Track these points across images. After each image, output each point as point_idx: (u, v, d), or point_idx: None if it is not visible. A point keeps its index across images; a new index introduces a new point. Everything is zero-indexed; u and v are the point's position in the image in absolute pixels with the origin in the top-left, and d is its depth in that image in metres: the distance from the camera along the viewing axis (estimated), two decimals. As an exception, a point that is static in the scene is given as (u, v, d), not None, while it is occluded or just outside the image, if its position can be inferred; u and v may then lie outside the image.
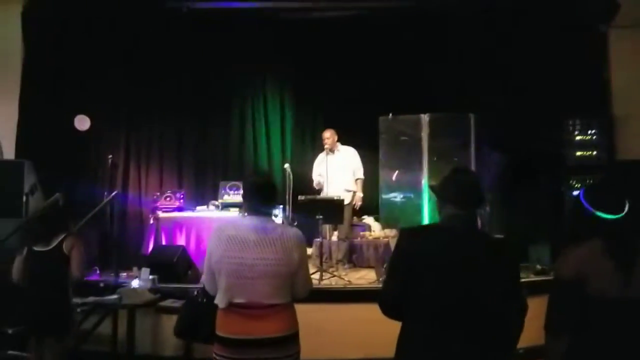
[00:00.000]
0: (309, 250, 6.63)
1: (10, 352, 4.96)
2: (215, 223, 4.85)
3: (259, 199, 2.79)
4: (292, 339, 2.76)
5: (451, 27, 6.94)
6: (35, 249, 3.84)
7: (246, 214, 2.84)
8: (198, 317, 3.44)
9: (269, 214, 2.88)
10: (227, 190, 6.93)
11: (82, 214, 5.59)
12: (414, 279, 2.21)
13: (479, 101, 6.49)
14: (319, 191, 6.72)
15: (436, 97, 6.78)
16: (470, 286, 2.16)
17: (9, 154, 6.66)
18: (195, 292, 3.76)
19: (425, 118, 6.71)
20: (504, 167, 6.82)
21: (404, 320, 2.29)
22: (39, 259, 3.84)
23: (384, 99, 7.09)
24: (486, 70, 6.82)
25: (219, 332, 2.75)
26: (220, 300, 2.74)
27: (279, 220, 6.28)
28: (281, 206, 6.49)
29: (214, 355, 2.76)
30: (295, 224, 5.92)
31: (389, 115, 6.88)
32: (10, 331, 4.51)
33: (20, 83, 6.66)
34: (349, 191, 6.61)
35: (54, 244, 3.83)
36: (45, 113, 6.56)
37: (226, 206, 6.74)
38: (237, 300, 2.70)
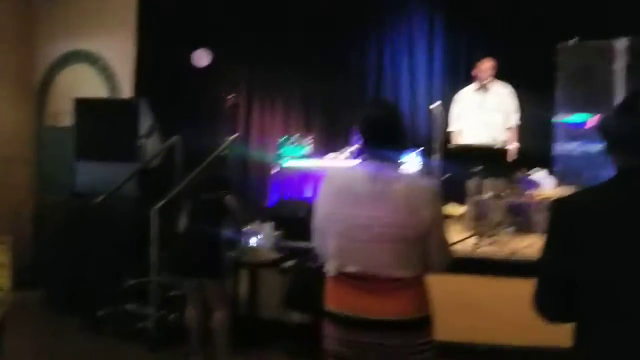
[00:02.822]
0: (461, 210, 6.35)
1: (128, 305, 5.47)
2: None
3: (377, 139, 2.50)
4: (420, 324, 2.51)
5: None
6: (202, 197, 4.58)
7: (362, 159, 2.58)
8: (308, 285, 3.30)
9: (393, 160, 2.55)
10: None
11: (200, 159, 5.60)
12: (586, 265, 1.77)
13: None
14: (454, 140, 6.31)
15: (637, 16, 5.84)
16: None
17: (126, 94, 7.01)
18: (310, 256, 3.86)
19: (621, 43, 5.90)
20: None
21: (578, 323, 1.86)
22: (203, 205, 4.56)
23: (562, 21, 6.32)
24: None
25: (327, 306, 2.59)
26: (329, 267, 2.58)
27: (414, 169, 6.00)
28: (418, 150, 6.17)
29: (324, 333, 2.59)
30: (447, 176, 5.62)
31: (570, 40, 6.13)
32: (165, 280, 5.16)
33: (136, 18, 6.90)
34: (499, 140, 6.09)
35: (217, 195, 4.55)
36: (162, 49, 6.80)
37: (361, 153, 6.40)
38: (349, 269, 2.50)
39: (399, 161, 2.60)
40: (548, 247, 1.88)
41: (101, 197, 5.48)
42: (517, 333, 4.61)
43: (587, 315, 1.80)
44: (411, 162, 6.13)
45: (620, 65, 5.89)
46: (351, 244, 2.48)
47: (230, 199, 4.59)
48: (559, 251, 1.84)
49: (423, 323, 2.51)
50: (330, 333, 2.54)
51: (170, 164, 5.98)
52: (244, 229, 4.84)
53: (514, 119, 6.22)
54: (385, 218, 2.42)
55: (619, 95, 5.81)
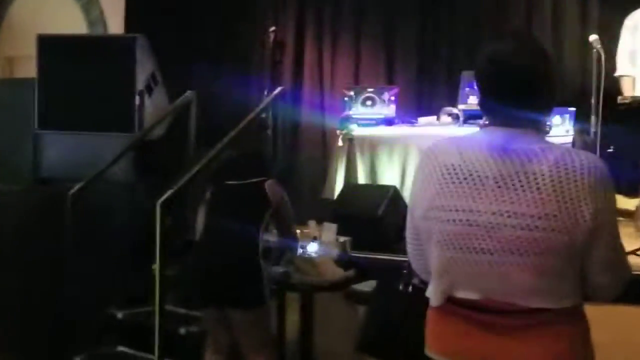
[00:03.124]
0: (631, 204, 6.16)
1: (120, 348, 5.53)
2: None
3: (508, 92, 2.39)
4: None
5: None
6: (227, 182, 4.63)
7: (482, 124, 2.54)
8: (396, 320, 3.44)
9: (533, 126, 2.43)
10: (476, 87, 6.42)
11: (225, 127, 5.61)
12: None
13: None
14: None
15: None
16: None
17: (115, 29, 7.06)
18: (401, 275, 3.83)
19: None
20: None
21: None
22: (228, 195, 4.61)
23: None
24: None
25: (430, 352, 2.54)
26: (432, 293, 2.52)
27: (562, 138, 5.86)
28: (571, 110, 6.03)
29: None
30: (609, 151, 5.48)
31: None
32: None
33: None
34: None
35: (251, 180, 4.58)
36: None
37: (473, 116, 6.38)
38: (463, 295, 2.43)
39: (542, 127, 2.49)
40: None
41: (78, 185, 5.47)
42: None
43: None
44: (560, 128, 6.06)
45: None
46: (466, 257, 2.41)
47: (271, 186, 4.53)
48: None
49: None
50: None
51: (180, 134, 6.05)
52: (293, 233, 4.80)
53: None
54: (522, 216, 2.33)
55: None
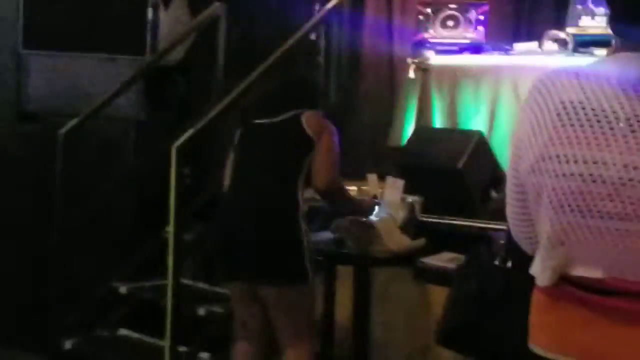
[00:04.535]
0: None
1: (123, 331, 5.62)
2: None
3: None
4: None
5: None
6: (256, 121, 4.67)
7: (613, 48, 2.50)
8: (490, 304, 3.47)
9: None
10: (591, 5, 6.61)
11: (266, 45, 5.76)
12: None
13: None
14: None
15: None
16: None
17: None
18: (496, 246, 3.83)
19: None
20: None
21: None
22: (258, 137, 4.67)
23: None
24: None
25: (535, 346, 2.52)
26: (540, 269, 2.49)
27: None
28: None
29: None
30: None
31: None
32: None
33: None
34: None
35: (287, 115, 4.56)
36: None
37: (586, 43, 6.42)
38: (583, 273, 2.39)
39: None
40: None
41: (72, 122, 5.53)
42: None
43: None
44: None
45: None
46: (590, 223, 2.36)
47: (311, 119, 4.53)
48: None
49: None
50: None
51: (205, 59, 6.07)
52: (346, 188, 4.77)
53: None
54: None
55: None
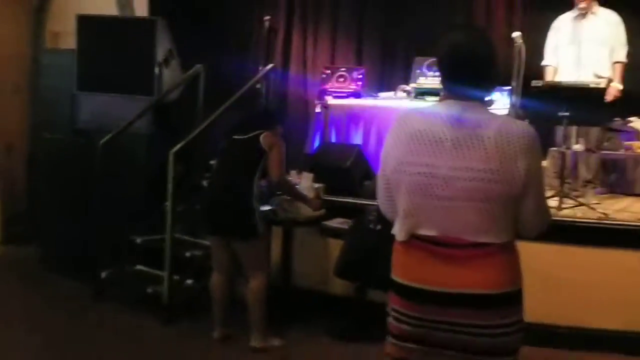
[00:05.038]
0: (544, 163, 6.06)
1: (137, 267, 5.41)
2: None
3: (462, 73, 2.40)
4: (508, 300, 2.38)
5: None
6: (234, 137, 4.58)
7: (442, 97, 2.50)
8: (368, 251, 3.42)
9: (481, 100, 2.44)
10: (425, 70, 6.52)
11: (229, 93, 5.57)
12: None
13: None
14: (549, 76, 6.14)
15: None
16: None
17: (141, 12, 6.89)
18: (370, 215, 3.85)
19: None
20: None
21: None
22: (233, 147, 4.59)
23: None
24: None
25: (395, 276, 2.49)
26: (398, 230, 2.47)
27: (502, 109, 5.83)
28: (507, 88, 5.94)
29: (389, 309, 2.50)
30: (526, 121, 5.33)
31: None
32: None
33: None
34: (601, 78, 5.82)
35: (252, 134, 4.51)
36: None
37: (422, 93, 6.38)
38: (424, 232, 2.39)
39: (487, 101, 2.51)
40: None
41: (108, 136, 5.37)
42: (609, 314, 4.56)
43: None
44: (500, 102, 6.00)
45: None
46: (428, 202, 2.39)
47: (265, 137, 4.46)
48: None
49: (512, 299, 2.39)
50: (398, 309, 2.45)
51: (191, 98, 5.91)
52: (281, 177, 4.67)
53: (621, 54, 5.93)
54: (472, 170, 2.33)
55: None
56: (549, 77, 6.09)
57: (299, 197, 4.81)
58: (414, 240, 2.42)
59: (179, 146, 4.89)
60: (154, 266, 5.14)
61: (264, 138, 4.46)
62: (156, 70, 5.91)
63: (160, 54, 5.94)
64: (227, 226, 4.42)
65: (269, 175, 4.54)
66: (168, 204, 4.92)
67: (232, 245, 4.41)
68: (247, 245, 4.39)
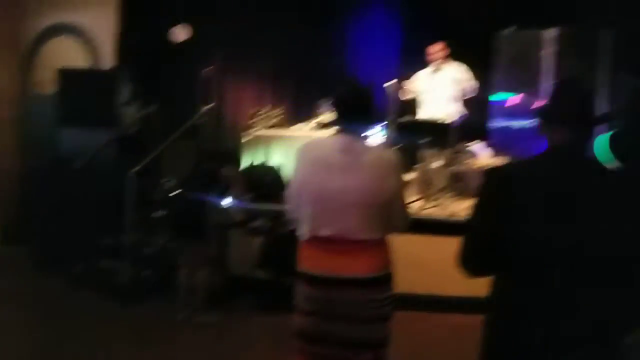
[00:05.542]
0: (411, 176, 6.22)
1: (104, 262, 5.15)
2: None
3: (350, 113, 2.47)
4: (383, 281, 2.48)
5: None
6: (200, 166, 4.67)
7: (335, 131, 2.55)
8: (281, 247, 3.12)
9: (362, 133, 2.53)
10: (327, 108, 6.46)
11: (176, 128, 5.41)
12: (508, 227, 1.77)
13: (617, 15, 5.70)
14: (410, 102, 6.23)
15: (565, 9, 5.93)
16: (583, 233, 1.71)
17: (108, 65, 6.52)
18: (283, 219, 3.72)
19: (549, 33, 5.94)
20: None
21: (495, 278, 1.90)
22: (199, 174, 4.56)
23: (502, 11, 6.41)
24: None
25: (300, 267, 2.52)
26: (303, 232, 2.51)
27: (378, 140, 5.84)
28: (383, 124, 5.99)
29: (296, 291, 2.53)
30: (398, 147, 5.49)
31: (509, 29, 6.25)
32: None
33: None
34: (454, 114, 6.01)
35: (212, 166, 4.59)
36: (143, 23, 6.40)
37: (325, 125, 6.36)
38: (321, 233, 2.44)
39: (367, 134, 2.60)
40: (480, 209, 1.88)
41: (85, 160, 5.23)
42: (454, 284, 4.38)
43: (510, 270, 1.80)
44: (376, 135, 6.01)
45: (548, 52, 5.95)
46: (324, 210, 2.43)
47: (227, 171, 4.50)
48: (491, 213, 1.82)
49: (387, 279, 2.48)
50: (302, 292, 2.48)
51: (148, 131, 5.73)
52: (234, 196, 4.65)
53: (468, 91, 6.07)
54: (357, 186, 2.39)
55: (548, 78, 5.89)
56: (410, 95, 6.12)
57: None
58: (315, 239, 2.45)
59: (136, 168, 4.74)
60: (119, 262, 4.88)
61: (225, 171, 4.60)
62: (120, 109, 5.75)
63: (122, 97, 5.78)
64: (187, 232, 4.38)
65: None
66: (128, 212, 4.72)
67: (191, 244, 4.38)
68: (198, 244, 4.35)
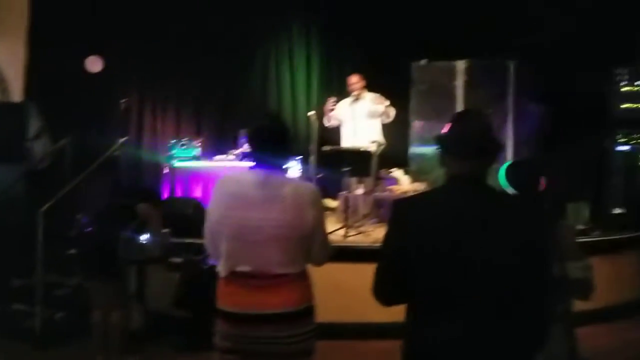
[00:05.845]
0: (334, 204, 6.33)
1: (15, 306, 4.85)
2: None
3: (266, 148, 2.42)
4: (305, 314, 2.42)
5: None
6: (115, 202, 4.21)
7: (252, 165, 2.48)
8: (198, 285, 3.01)
9: (279, 166, 2.48)
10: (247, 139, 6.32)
11: (91, 162, 5.19)
12: (413, 257, 1.83)
13: (519, 48, 6.13)
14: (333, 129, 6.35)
15: (474, 43, 6.34)
16: (478, 259, 1.75)
17: (17, 97, 6.25)
18: (201, 255, 3.68)
19: (460, 65, 6.38)
20: (544, 119, 6.30)
21: (407, 306, 1.94)
22: (114, 210, 4.18)
23: (417, 44, 6.75)
24: (527, 15, 6.40)
25: (219, 305, 2.44)
26: (221, 268, 2.43)
27: (295, 173, 5.93)
28: (299, 157, 6.10)
29: (215, 329, 2.44)
30: (320, 176, 5.63)
31: (422, 61, 6.56)
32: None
33: (27, 22, 6.25)
34: (375, 142, 6.15)
35: (128, 201, 4.18)
36: (53, 54, 6.12)
37: (246, 156, 6.29)
38: (241, 268, 2.38)
39: (284, 167, 2.54)
40: (388, 240, 1.91)
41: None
42: (379, 311, 4.53)
43: (417, 297, 1.85)
44: (293, 167, 6.07)
45: (460, 82, 6.33)
46: (243, 245, 2.36)
47: (143, 207, 4.12)
48: (397, 244, 1.86)
49: (309, 312, 2.43)
50: (222, 330, 2.40)
51: (60, 166, 5.48)
52: (152, 231, 4.28)
53: (386, 119, 6.23)
54: (275, 220, 2.33)
55: (460, 106, 6.23)
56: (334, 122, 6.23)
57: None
58: (233, 275, 2.38)
59: (46, 206, 4.49)
60: (31, 304, 4.59)
61: (139, 208, 4.15)
62: (28, 143, 5.50)
63: (31, 131, 5.54)
64: (99, 269, 4.03)
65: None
66: (39, 252, 4.44)
67: (103, 283, 4.06)
68: (111, 283, 4.06)
